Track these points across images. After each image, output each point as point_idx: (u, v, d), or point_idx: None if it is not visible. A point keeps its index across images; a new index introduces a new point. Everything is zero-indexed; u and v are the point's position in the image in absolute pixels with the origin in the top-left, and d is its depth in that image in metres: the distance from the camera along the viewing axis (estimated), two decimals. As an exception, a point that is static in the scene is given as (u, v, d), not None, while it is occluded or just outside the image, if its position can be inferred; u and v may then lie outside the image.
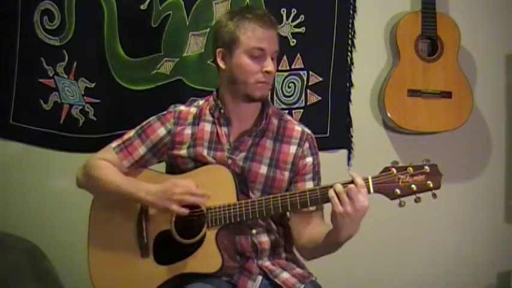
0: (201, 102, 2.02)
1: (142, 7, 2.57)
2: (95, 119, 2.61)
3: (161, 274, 1.85)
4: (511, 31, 2.85)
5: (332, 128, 2.72)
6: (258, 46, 1.84)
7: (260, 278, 1.90)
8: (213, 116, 1.95)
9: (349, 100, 2.74)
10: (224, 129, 1.94)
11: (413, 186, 1.68)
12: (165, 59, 2.60)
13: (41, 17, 2.55)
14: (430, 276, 2.83)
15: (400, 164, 1.71)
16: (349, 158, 2.75)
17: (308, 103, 2.71)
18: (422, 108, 2.65)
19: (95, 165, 1.95)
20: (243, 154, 1.92)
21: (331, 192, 1.70)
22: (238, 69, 1.87)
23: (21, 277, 2.14)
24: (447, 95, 2.66)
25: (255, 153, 1.93)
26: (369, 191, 1.70)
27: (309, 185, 1.94)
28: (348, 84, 2.74)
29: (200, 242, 1.82)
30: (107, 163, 1.95)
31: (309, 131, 1.99)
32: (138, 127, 1.99)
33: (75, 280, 2.33)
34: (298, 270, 1.94)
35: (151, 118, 1.99)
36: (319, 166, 1.99)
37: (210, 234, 1.81)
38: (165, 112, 2.00)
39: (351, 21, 2.72)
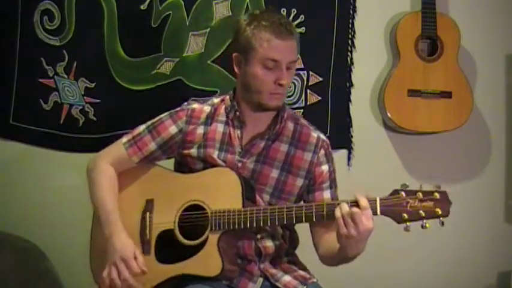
0: (215, 100, 1.98)
1: (142, 7, 2.57)
2: (95, 119, 2.61)
3: (161, 272, 1.85)
4: (511, 31, 2.84)
5: (332, 128, 2.72)
6: (272, 57, 1.80)
7: (261, 280, 1.90)
8: (227, 117, 1.93)
9: (349, 100, 2.74)
10: (237, 132, 1.91)
11: (421, 212, 1.66)
12: (165, 59, 2.60)
13: (41, 17, 2.55)
14: (430, 276, 2.83)
15: (410, 188, 1.68)
16: (349, 158, 2.75)
17: (308, 103, 2.70)
18: (422, 108, 2.65)
19: (99, 168, 1.95)
20: (254, 157, 1.90)
21: (337, 213, 1.68)
22: (252, 78, 1.84)
23: (21, 277, 2.14)
24: (447, 95, 2.66)
25: (266, 156, 1.90)
26: (375, 213, 1.67)
27: (327, 194, 1.92)
28: (348, 84, 2.74)
29: (202, 245, 1.81)
30: (111, 172, 1.94)
31: (324, 138, 1.97)
32: (149, 122, 1.97)
33: (75, 280, 2.33)
34: (299, 272, 1.94)
35: (163, 115, 1.97)
36: (335, 173, 1.97)
37: (213, 238, 1.80)
38: (177, 109, 1.97)
39: (351, 21, 2.72)
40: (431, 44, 2.70)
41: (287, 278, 1.90)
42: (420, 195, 1.66)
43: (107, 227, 1.86)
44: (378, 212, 1.68)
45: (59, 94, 2.59)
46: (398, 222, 1.67)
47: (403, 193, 1.67)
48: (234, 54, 1.89)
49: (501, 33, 2.84)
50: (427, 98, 2.65)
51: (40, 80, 2.58)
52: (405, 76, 2.67)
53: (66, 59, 2.57)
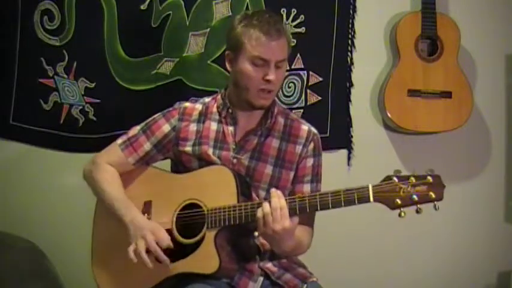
0: (207, 99, 2.03)
1: (142, 7, 2.57)
2: (95, 119, 2.61)
3: (160, 271, 1.85)
4: (511, 31, 2.84)
5: (332, 128, 2.72)
6: (260, 56, 1.84)
7: (261, 278, 1.90)
8: (220, 115, 1.96)
9: (349, 100, 2.74)
10: (230, 128, 1.95)
11: (414, 196, 1.63)
12: (165, 59, 2.60)
13: (41, 17, 2.56)
14: (430, 276, 2.83)
15: (403, 173, 1.67)
16: (349, 158, 2.75)
17: (308, 103, 2.70)
18: (422, 108, 2.65)
19: (100, 167, 1.97)
20: (248, 153, 1.93)
21: (258, 213, 1.73)
22: (240, 74, 1.87)
23: (21, 277, 2.13)
24: (447, 95, 2.66)
25: (260, 153, 1.94)
26: (368, 200, 1.67)
27: (307, 187, 1.95)
28: (348, 84, 2.74)
29: (199, 242, 1.82)
30: (111, 169, 1.96)
31: (315, 131, 2.00)
32: (143, 123, 2.01)
33: (75, 280, 2.33)
34: (299, 270, 1.95)
35: (156, 115, 2.01)
36: (320, 168, 1.99)
37: (210, 236, 1.81)
38: (170, 109, 2.02)
39: (351, 21, 2.72)
40: (431, 44, 2.69)
41: (288, 276, 1.91)
42: (413, 180, 1.64)
43: (125, 215, 1.87)
44: (371, 199, 1.67)
45: (59, 94, 2.59)
46: (392, 208, 1.65)
47: (395, 179, 1.65)
48: (226, 52, 1.93)
49: (501, 33, 2.83)
50: (427, 98, 2.65)
51: (40, 80, 2.58)
52: (405, 76, 2.66)
53: (66, 59, 2.58)
